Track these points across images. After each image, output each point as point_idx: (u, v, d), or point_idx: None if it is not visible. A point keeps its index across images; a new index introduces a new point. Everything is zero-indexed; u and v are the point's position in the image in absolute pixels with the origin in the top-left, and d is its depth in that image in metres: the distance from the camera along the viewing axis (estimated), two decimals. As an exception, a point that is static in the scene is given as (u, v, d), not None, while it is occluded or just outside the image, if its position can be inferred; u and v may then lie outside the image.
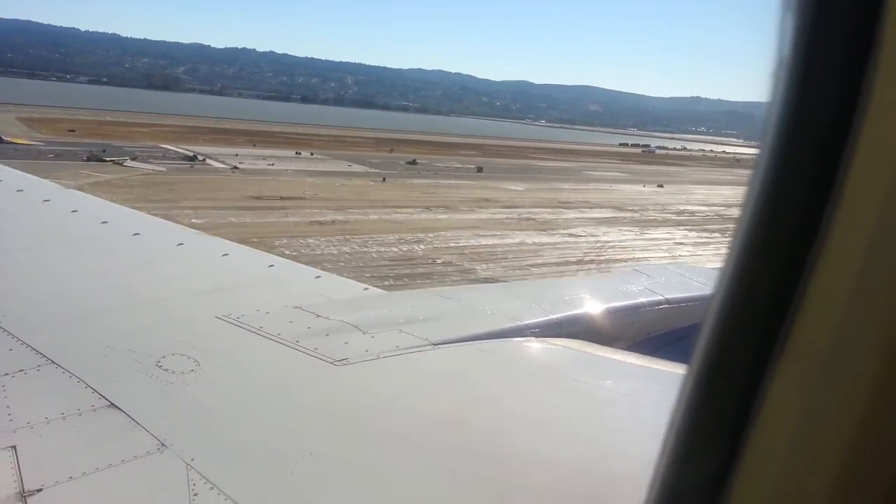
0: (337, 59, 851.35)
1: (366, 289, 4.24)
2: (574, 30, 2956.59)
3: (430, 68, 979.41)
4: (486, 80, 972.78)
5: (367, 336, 3.28)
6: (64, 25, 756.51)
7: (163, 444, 2.34)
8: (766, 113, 0.82)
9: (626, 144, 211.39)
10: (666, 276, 5.06)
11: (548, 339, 3.65)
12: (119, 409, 2.48)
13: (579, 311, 4.08)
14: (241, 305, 3.55)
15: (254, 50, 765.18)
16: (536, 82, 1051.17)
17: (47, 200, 5.15)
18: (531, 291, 4.41)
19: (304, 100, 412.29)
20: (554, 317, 3.87)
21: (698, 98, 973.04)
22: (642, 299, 4.49)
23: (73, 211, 5.01)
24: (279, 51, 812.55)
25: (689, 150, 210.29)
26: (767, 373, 0.78)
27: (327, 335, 3.26)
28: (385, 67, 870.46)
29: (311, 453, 2.46)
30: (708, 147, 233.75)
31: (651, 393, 2.99)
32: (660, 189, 75.11)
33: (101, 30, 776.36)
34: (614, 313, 4.22)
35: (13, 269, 3.90)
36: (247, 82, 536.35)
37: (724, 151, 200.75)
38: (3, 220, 4.74)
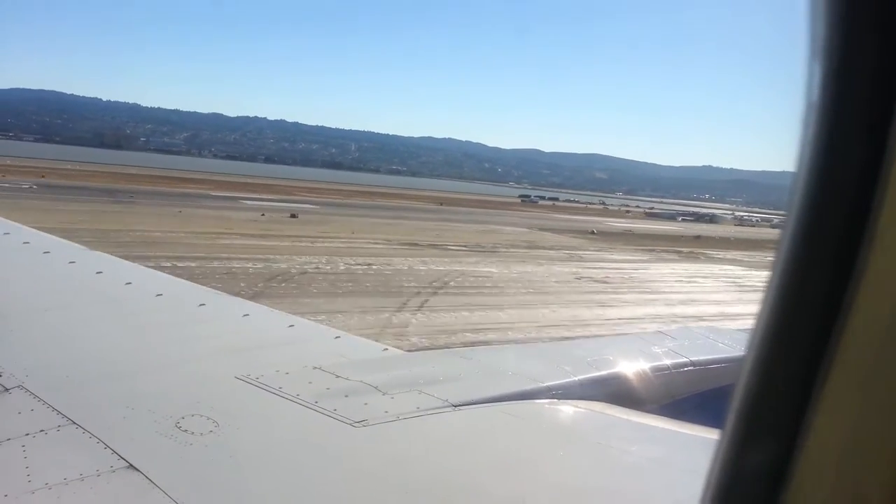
0: (346, 128, 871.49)
1: (385, 349, 4.27)
2: (587, 99, 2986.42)
3: (440, 136, 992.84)
4: (496, 147, 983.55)
5: (386, 397, 3.27)
6: (87, 95, 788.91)
7: None
8: (797, 158, 0.81)
9: (527, 196, 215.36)
10: (690, 337, 5.03)
11: (570, 401, 3.59)
12: (138, 470, 2.47)
13: (602, 373, 4.02)
14: (260, 365, 3.55)
15: (265, 118, 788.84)
16: (546, 150, 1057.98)
17: (73, 262, 5.29)
18: (553, 352, 4.34)
19: (268, 160, 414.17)
20: (576, 378, 3.81)
21: (710, 167, 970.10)
22: (667, 361, 4.42)
23: (98, 272, 5.12)
24: (290, 119, 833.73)
25: (605, 204, 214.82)
26: (806, 418, 0.77)
27: (346, 396, 3.25)
28: (395, 136, 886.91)
29: None
30: (648, 205, 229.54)
31: (678, 457, 2.93)
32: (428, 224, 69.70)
33: (122, 99, 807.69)
34: (638, 376, 4.16)
35: (37, 330, 3.94)
36: (247, 147, 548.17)
37: (637, 206, 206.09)
38: (29, 282, 4.86)
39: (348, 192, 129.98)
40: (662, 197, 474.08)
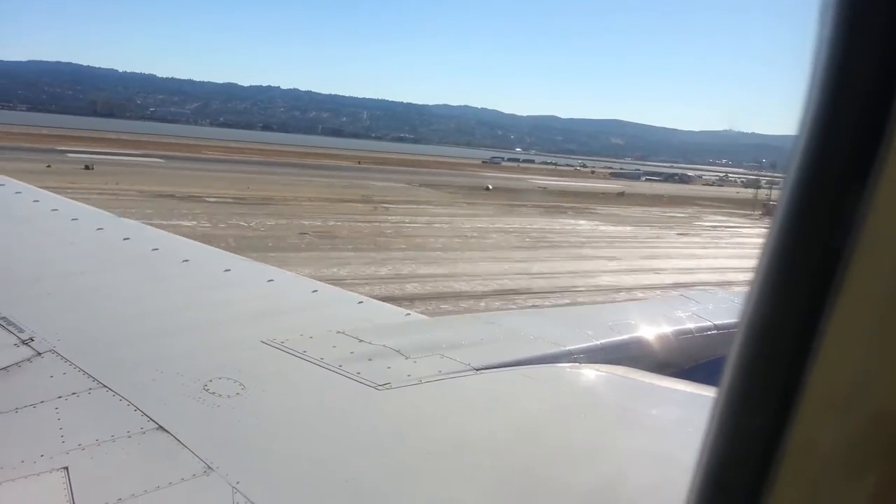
0: (360, 96, 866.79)
1: (407, 314, 4.29)
2: (607, 65, 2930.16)
3: (455, 104, 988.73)
4: (512, 115, 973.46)
5: (409, 361, 3.30)
6: (103, 67, 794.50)
7: (209, 467, 2.37)
8: (802, 112, 0.81)
9: (498, 158, 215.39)
10: (714, 301, 4.99)
11: (592, 365, 3.61)
12: (167, 431, 2.53)
13: (625, 336, 4.03)
14: (285, 330, 3.62)
15: (278, 88, 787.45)
16: (562, 117, 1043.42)
17: (101, 229, 5.38)
18: (575, 317, 4.38)
19: (265, 127, 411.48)
20: (598, 342, 3.83)
21: (731, 132, 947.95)
22: (690, 325, 4.41)
23: (126, 239, 5.17)
24: (303, 88, 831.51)
25: (586, 167, 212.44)
26: (802, 382, 0.77)
27: (370, 360, 3.30)
28: (409, 103, 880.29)
29: (353, 477, 2.48)
30: (660, 170, 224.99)
31: (701, 420, 2.45)
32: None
33: (138, 70, 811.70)
34: (661, 339, 4.16)
35: (67, 296, 3.99)
36: (256, 116, 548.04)
37: (620, 168, 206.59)
38: (59, 248, 4.92)
39: (268, 153, 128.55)
40: (675, 162, 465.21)
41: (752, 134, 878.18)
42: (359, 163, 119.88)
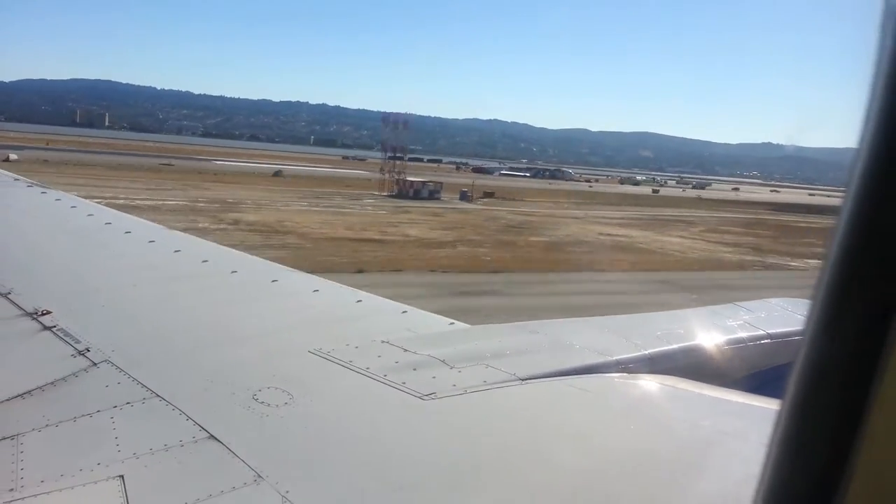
0: (387, 110, 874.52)
1: (451, 323, 4.26)
2: (640, 78, 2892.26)
3: (485, 118, 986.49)
4: (542, 128, 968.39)
5: (454, 371, 3.29)
6: (142, 84, 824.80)
7: (259, 476, 2.42)
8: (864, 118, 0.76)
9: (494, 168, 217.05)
10: (767, 309, 4.93)
11: (640, 375, 3.54)
12: (218, 440, 2.57)
13: (674, 346, 3.92)
14: (331, 340, 3.63)
15: (307, 103, 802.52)
16: (593, 130, 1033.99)
17: (152, 241, 5.53)
18: (622, 326, 4.27)
19: (252, 137, 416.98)
20: (646, 352, 3.74)
21: (769, 144, 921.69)
22: (742, 334, 4.32)
23: (176, 251, 5.32)
24: (331, 103, 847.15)
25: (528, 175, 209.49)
26: (869, 399, 0.74)
27: (415, 369, 3.30)
28: (437, 117, 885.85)
29: (400, 486, 2.51)
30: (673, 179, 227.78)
31: (754, 431, 2.87)
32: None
33: (175, 88, 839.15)
34: (711, 349, 4.06)
35: (122, 307, 4.09)
36: (274, 130, 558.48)
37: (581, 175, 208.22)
38: (113, 261, 5.06)
39: (145, 149, 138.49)
40: (693, 172, 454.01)
41: (794, 147, 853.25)
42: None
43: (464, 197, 78.72)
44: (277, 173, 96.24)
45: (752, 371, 4.08)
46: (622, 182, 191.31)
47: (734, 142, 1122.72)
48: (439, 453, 2.73)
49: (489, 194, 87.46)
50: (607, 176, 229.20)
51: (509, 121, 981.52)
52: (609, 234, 53.11)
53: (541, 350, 3.68)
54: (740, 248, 50.46)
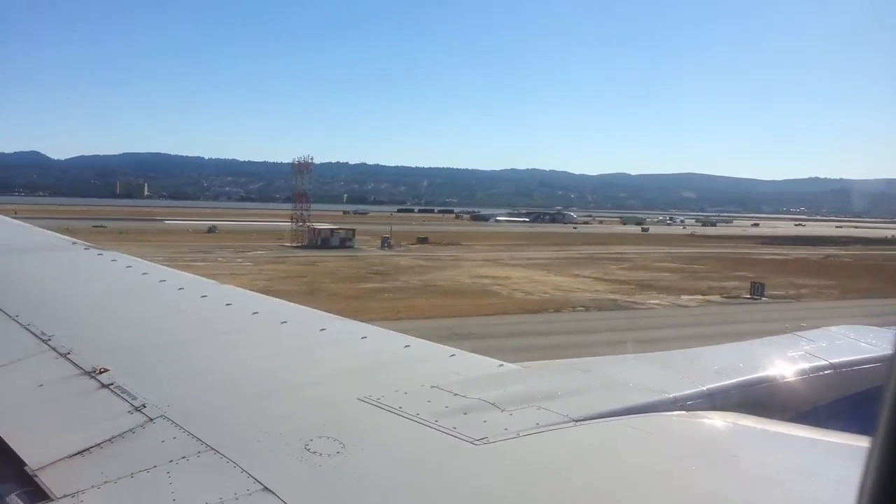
0: (426, 166, 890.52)
1: (500, 365, 4.20)
2: (681, 118, 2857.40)
3: (522, 168, 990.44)
4: (582, 174, 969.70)
5: (505, 413, 3.25)
6: (190, 155, 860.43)
7: None
8: None
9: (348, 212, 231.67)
10: (828, 338, 4.80)
11: (699, 412, 3.47)
12: (273, 493, 2.58)
13: (732, 381, 3.81)
14: (380, 386, 3.65)
15: (346, 163, 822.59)
16: (632, 174, 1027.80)
17: (205, 296, 5.71)
18: (677, 361, 4.19)
19: (288, 200, 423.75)
20: (705, 388, 3.63)
21: (816, 179, 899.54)
22: (804, 365, 4.18)
23: (228, 304, 5.45)
24: (370, 162, 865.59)
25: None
26: None
27: (465, 413, 3.26)
28: (474, 170, 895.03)
29: None
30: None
31: (823, 467, 2.87)
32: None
33: (221, 157, 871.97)
34: (772, 383, 3.95)
35: (176, 362, 4.20)
36: (315, 192, 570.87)
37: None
38: (167, 318, 5.21)
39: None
40: (736, 211, 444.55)
41: (840, 180, 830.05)
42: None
43: (384, 244, 77.14)
44: (211, 229, 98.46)
45: (815, 404, 3.97)
46: (624, 223, 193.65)
47: (780, 178, 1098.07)
48: (494, 499, 2.68)
49: (422, 240, 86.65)
50: (619, 218, 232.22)
51: (547, 169, 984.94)
52: (487, 276, 53.31)
53: (593, 389, 3.60)
54: (626, 286, 49.36)
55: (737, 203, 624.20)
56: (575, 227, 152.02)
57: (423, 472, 2.88)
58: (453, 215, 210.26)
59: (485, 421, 3.15)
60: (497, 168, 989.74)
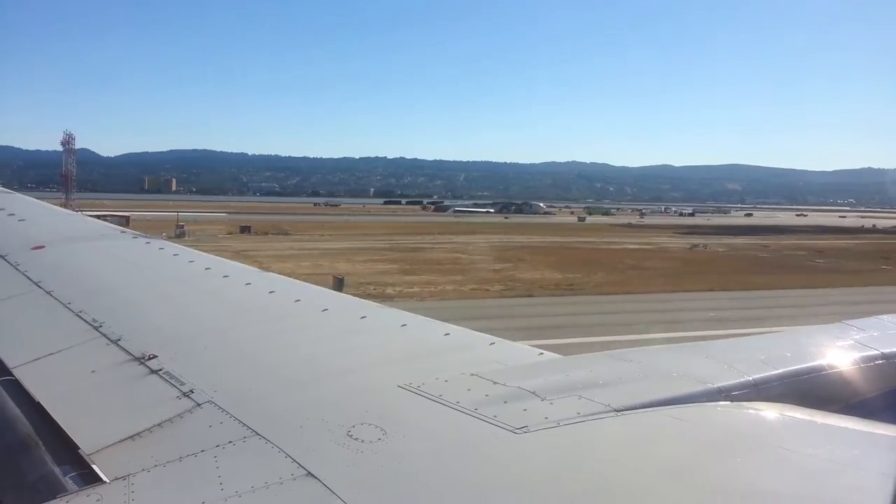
0: (466, 160, 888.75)
1: (541, 353, 4.23)
2: (727, 109, 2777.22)
3: (562, 160, 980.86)
4: (623, 167, 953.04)
5: (545, 402, 3.21)
6: (234, 151, 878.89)
7: None
8: None
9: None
10: (880, 328, 4.68)
11: (745, 403, 3.39)
12: (316, 478, 2.63)
13: (779, 371, 3.72)
14: (421, 374, 3.67)
15: (384, 157, 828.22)
16: (676, 165, 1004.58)
17: (249, 284, 5.86)
18: (721, 350, 4.14)
19: (313, 193, 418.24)
20: (751, 378, 3.56)
21: (870, 169, 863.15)
22: (854, 355, 4.06)
23: (271, 292, 5.62)
24: (408, 156, 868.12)
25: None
26: None
27: (505, 402, 3.24)
28: (514, 163, 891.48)
29: None
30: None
31: (872, 460, 2.80)
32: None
33: (264, 153, 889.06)
34: (821, 373, 3.84)
35: (221, 349, 4.34)
36: (350, 186, 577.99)
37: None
38: (212, 305, 5.40)
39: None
40: (778, 204, 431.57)
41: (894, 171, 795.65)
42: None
43: (177, 232, 70.89)
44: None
45: (866, 395, 3.86)
46: (590, 212, 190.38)
47: (830, 168, 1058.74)
48: (535, 487, 2.69)
49: (244, 229, 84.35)
50: (585, 207, 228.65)
51: (587, 161, 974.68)
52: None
53: (635, 379, 3.55)
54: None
55: (782, 194, 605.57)
56: (506, 218, 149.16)
57: (464, 459, 2.88)
58: (420, 206, 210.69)
59: (525, 409, 3.15)
60: (536, 161, 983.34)
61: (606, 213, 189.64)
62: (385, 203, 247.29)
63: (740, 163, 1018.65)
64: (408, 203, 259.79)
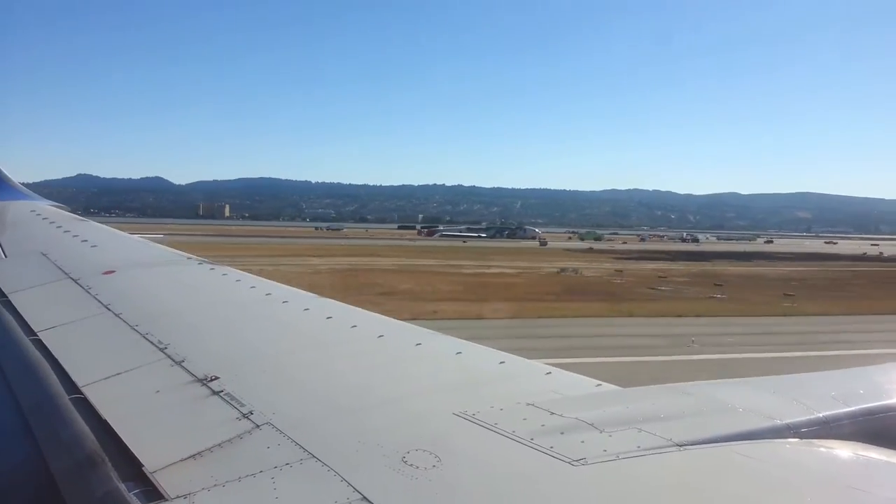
0: (523, 187, 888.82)
1: (598, 384, 4.03)
2: (795, 136, 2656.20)
3: (624, 188, 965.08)
4: (688, 194, 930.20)
5: (604, 435, 3.07)
6: (299, 179, 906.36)
7: None
8: None
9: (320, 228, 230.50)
10: None
11: (815, 440, 3.18)
12: (371, 502, 2.60)
13: (851, 408, 3.48)
14: (475, 402, 3.58)
15: (443, 185, 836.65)
16: (743, 193, 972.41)
17: (307, 309, 5.95)
18: (790, 385, 3.90)
19: (361, 219, 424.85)
20: (821, 415, 3.34)
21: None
22: None
23: (328, 317, 5.65)
24: (466, 184, 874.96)
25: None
26: None
27: (562, 433, 3.12)
28: (574, 191, 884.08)
29: None
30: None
31: None
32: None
33: (328, 180, 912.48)
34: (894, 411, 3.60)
35: (281, 372, 4.37)
36: (407, 212, 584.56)
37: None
38: (273, 330, 5.50)
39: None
40: (847, 232, 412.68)
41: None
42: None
43: None
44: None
45: None
46: (582, 238, 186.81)
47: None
48: None
49: None
50: (574, 232, 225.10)
51: (650, 189, 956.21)
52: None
53: (698, 413, 3.41)
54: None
55: (853, 223, 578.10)
56: (464, 242, 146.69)
57: (520, 490, 2.81)
58: (416, 230, 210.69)
59: (583, 441, 3.04)
60: (597, 189, 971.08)
61: (598, 238, 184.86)
62: (399, 228, 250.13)
63: (811, 191, 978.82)
64: (400, 227, 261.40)
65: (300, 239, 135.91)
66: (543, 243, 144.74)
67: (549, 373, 4.25)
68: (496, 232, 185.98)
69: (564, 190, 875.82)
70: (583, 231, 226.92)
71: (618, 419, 3.25)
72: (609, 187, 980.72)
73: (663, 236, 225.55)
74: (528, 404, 3.52)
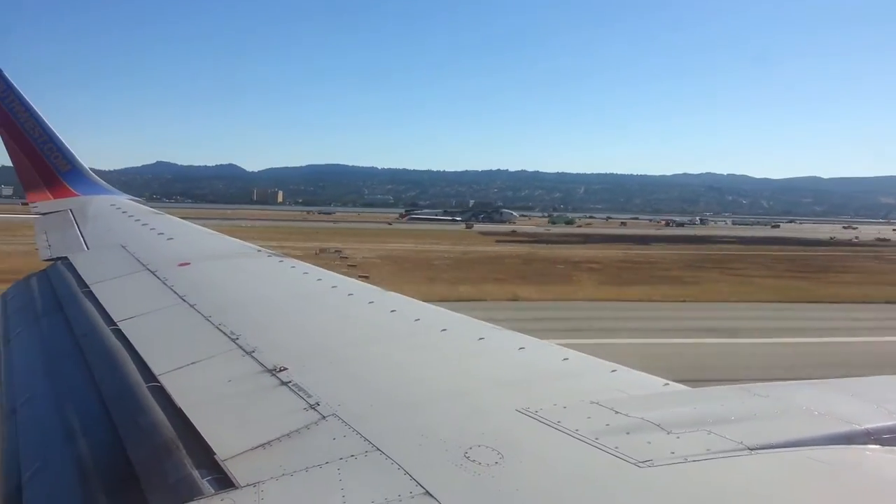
0: (589, 172, 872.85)
1: (666, 384, 3.92)
2: (881, 118, 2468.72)
3: (696, 172, 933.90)
4: (764, 178, 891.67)
5: (671, 436, 2.99)
6: (365, 166, 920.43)
7: None
8: None
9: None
10: None
11: None
12: (433, 497, 2.59)
13: None
14: (538, 399, 3.54)
15: (506, 170, 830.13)
16: (825, 177, 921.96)
17: (372, 302, 5.95)
18: (872, 388, 3.74)
19: (413, 205, 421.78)
20: None
21: None
22: None
23: (392, 311, 5.67)
24: (530, 169, 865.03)
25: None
26: None
27: (628, 433, 3.05)
28: (642, 175, 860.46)
29: None
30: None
31: None
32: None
33: (392, 166, 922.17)
34: None
35: (347, 365, 4.41)
36: (464, 198, 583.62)
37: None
38: (339, 321, 5.55)
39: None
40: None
41: None
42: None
43: None
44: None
45: None
46: (553, 222, 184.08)
47: None
48: None
49: None
50: (547, 216, 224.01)
51: (724, 173, 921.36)
52: None
53: (771, 416, 3.32)
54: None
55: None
56: (392, 221, 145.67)
57: (585, 490, 2.77)
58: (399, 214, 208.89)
59: (649, 442, 2.98)
60: (668, 173, 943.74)
61: (570, 222, 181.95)
62: (434, 216, 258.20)
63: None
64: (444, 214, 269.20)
65: (283, 222, 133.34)
66: (469, 226, 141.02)
67: (615, 371, 4.14)
68: (472, 216, 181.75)
69: (632, 175, 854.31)
70: (555, 215, 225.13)
71: (686, 420, 3.15)
72: (680, 171, 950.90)
73: (661, 221, 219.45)
74: (592, 402, 3.43)
